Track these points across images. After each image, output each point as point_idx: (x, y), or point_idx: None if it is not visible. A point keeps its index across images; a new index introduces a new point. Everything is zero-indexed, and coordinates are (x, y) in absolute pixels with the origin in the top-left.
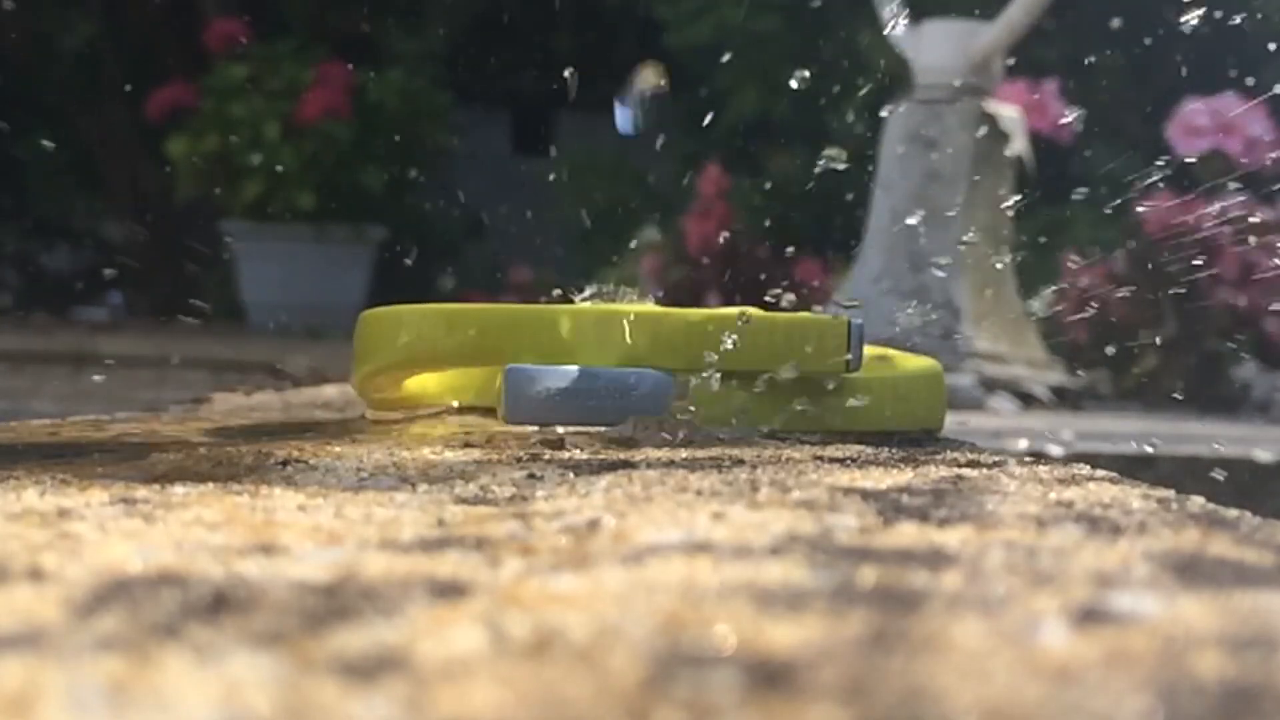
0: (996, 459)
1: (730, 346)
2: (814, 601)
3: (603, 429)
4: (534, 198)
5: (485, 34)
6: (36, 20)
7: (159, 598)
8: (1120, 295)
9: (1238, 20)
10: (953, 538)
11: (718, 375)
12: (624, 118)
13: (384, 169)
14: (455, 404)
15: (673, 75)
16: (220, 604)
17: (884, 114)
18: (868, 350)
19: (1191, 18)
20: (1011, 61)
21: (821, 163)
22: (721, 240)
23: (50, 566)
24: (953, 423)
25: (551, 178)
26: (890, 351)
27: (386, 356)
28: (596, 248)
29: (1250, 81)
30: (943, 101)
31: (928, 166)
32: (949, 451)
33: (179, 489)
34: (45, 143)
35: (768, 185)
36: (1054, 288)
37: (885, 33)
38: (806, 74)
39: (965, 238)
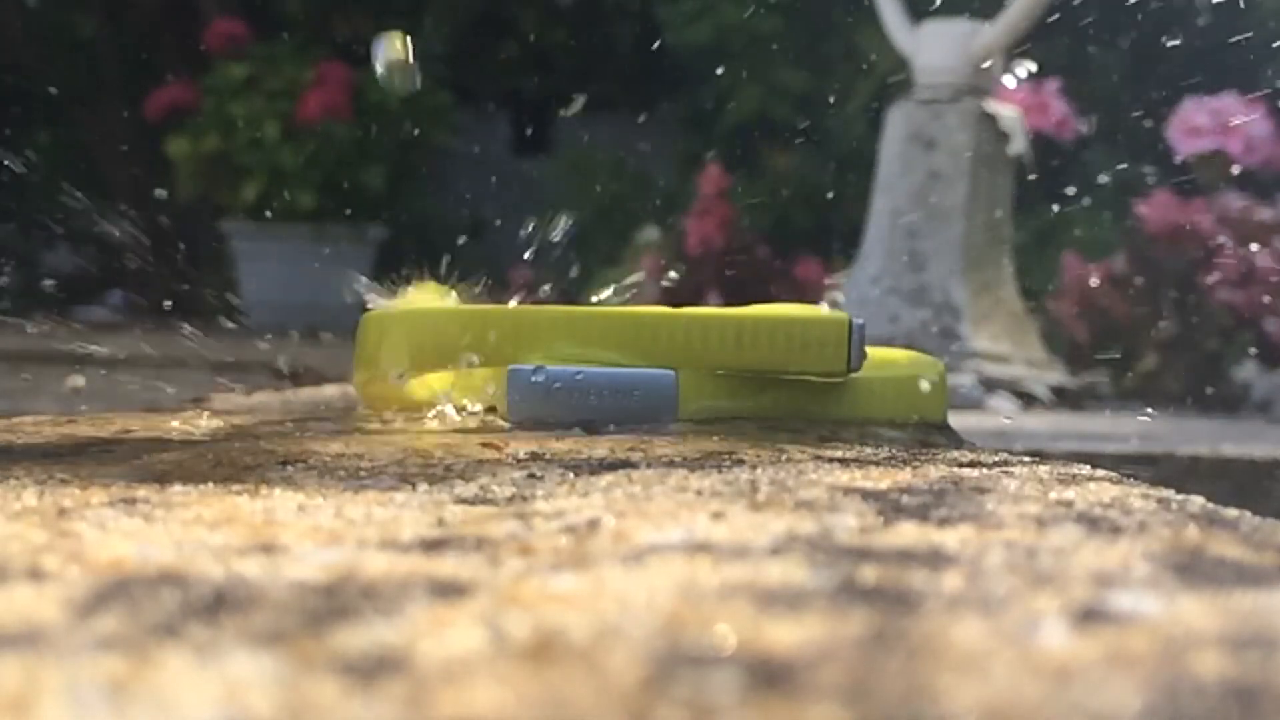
0: (996, 459)
1: (730, 346)
2: (814, 601)
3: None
4: (534, 198)
5: (485, 34)
6: (37, 19)
7: (159, 597)
8: (1120, 295)
9: (1238, 20)
10: (953, 538)
11: (717, 374)
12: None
13: (384, 169)
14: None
15: (673, 75)
16: (220, 604)
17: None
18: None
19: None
20: (1033, 68)
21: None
22: (721, 240)
23: (50, 566)
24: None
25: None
26: (890, 350)
27: (388, 357)
28: (596, 248)
29: (1250, 81)
30: (943, 101)
31: (928, 166)
32: (949, 451)
33: (179, 489)
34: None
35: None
36: (1054, 288)
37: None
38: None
39: (965, 238)
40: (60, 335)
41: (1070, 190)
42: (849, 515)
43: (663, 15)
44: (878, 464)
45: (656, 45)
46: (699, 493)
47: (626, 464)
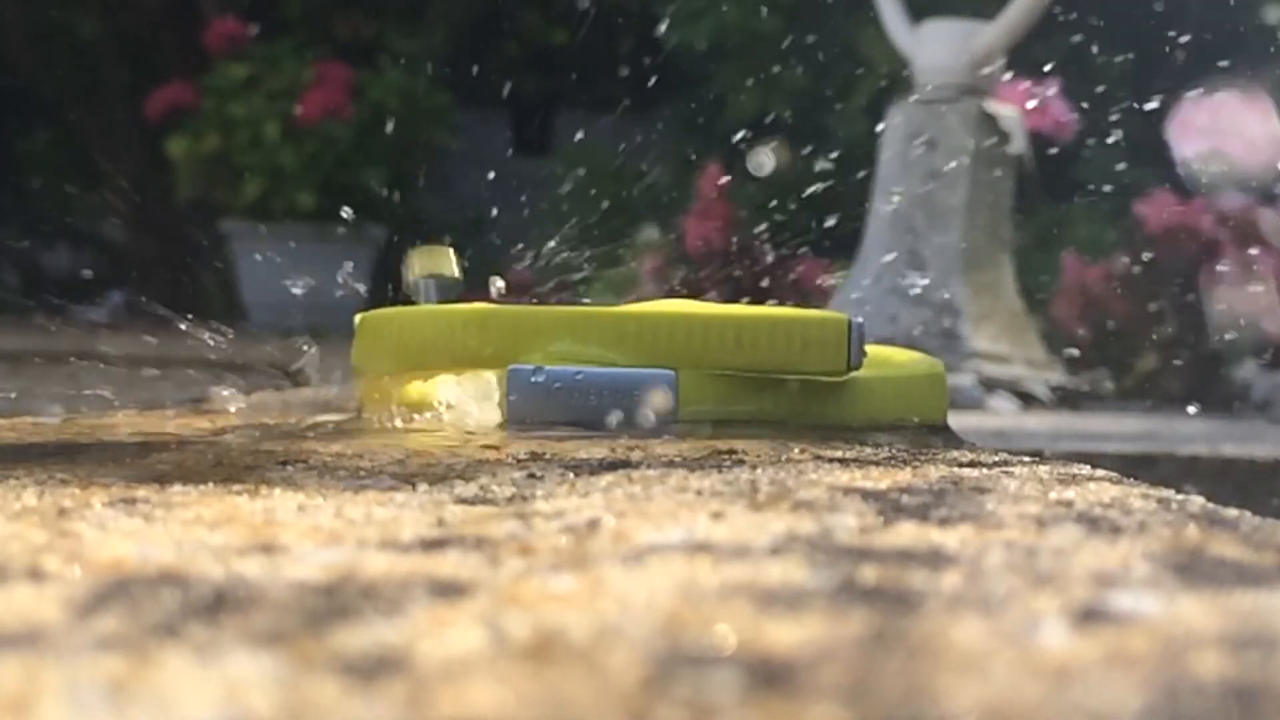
0: (996, 459)
1: (730, 346)
2: (814, 601)
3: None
4: (534, 198)
5: (485, 34)
6: (37, 19)
7: (159, 597)
8: (1120, 295)
9: (1239, 19)
10: (953, 538)
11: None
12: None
13: (384, 169)
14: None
15: (673, 75)
16: (220, 604)
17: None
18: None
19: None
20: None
21: None
22: (721, 240)
23: (50, 566)
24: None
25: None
26: (890, 350)
27: (387, 358)
28: (596, 248)
29: (1250, 81)
30: (943, 101)
31: (928, 166)
32: (949, 451)
33: (179, 489)
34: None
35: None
36: (1054, 288)
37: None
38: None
39: (965, 238)
40: (60, 335)
41: (1070, 190)
42: (849, 515)
43: (663, 15)
44: (878, 464)
45: (656, 45)
46: (699, 493)
47: (626, 464)
